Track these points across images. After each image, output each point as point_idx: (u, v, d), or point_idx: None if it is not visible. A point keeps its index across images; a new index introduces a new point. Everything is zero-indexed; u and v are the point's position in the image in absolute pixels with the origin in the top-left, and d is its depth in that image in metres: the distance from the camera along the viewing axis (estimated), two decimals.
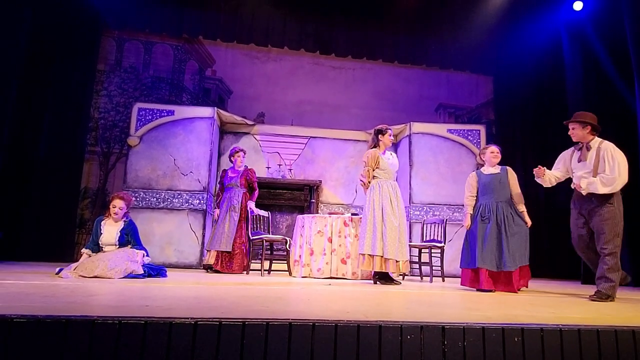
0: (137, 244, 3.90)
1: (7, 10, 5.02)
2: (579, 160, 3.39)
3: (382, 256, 3.91)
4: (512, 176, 3.94)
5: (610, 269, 3.15)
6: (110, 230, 3.81)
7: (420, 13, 7.13)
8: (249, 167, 5.23)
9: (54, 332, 1.40)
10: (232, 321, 1.49)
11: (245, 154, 5.24)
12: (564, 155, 3.59)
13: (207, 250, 5.01)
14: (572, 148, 3.52)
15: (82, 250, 3.85)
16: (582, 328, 1.67)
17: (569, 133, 3.47)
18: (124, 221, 3.89)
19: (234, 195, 5.02)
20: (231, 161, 5.25)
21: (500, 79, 7.76)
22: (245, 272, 4.86)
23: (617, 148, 3.28)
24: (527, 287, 3.91)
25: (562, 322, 1.73)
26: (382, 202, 4.02)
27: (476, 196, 3.99)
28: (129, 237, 3.87)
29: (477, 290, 3.70)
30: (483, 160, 4.09)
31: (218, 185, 5.27)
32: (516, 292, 3.60)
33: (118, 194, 3.99)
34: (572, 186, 3.48)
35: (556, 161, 3.64)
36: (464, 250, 3.89)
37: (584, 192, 3.29)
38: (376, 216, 3.99)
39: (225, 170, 5.26)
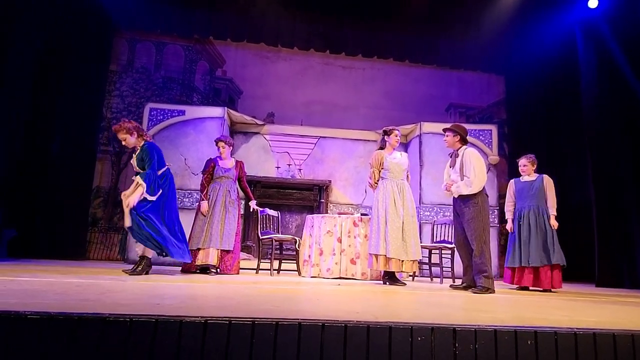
0: (150, 167, 3.72)
1: (23, 13, 5.11)
2: (451, 166, 3.94)
3: (385, 255, 3.90)
4: (549, 182, 4.39)
5: (482, 263, 3.59)
6: (134, 158, 3.91)
7: (431, 12, 7.07)
8: (237, 159, 4.85)
9: (66, 329, 1.42)
10: (241, 320, 1.49)
11: (227, 144, 4.72)
12: (446, 167, 4.10)
13: (196, 249, 4.34)
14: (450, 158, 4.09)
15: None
16: (598, 332, 1.63)
17: (443, 139, 4.04)
18: (140, 146, 3.88)
19: (230, 188, 4.59)
20: (217, 147, 4.71)
21: (512, 78, 7.67)
22: (256, 272, 4.86)
23: (475, 153, 3.83)
24: (560, 287, 4.25)
25: (576, 326, 1.69)
26: (385, 202, 4.03)
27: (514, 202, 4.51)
28: (144, 161, 3.77)
29: (518, 288, 4.25)
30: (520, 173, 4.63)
31: (204, 175, 4.63)
32: (550, 290, 4.15)
33: (115, 125, 3.91)
34: (442, 188, 4.01)
35: (444, 173, 4.10)
36: (508, 251, 4.44)
37: (455, 196, 3.83)
38: (380, 215, 4.02)
39: (212, 160, 4.69)
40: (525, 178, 4.50)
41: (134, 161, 3.93)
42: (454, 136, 3.92)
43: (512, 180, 4.63)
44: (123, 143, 3.90)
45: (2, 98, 4.87)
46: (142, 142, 3.92)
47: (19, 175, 5.42)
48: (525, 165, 4.49)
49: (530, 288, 4.23)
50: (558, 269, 4.20)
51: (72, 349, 1.40)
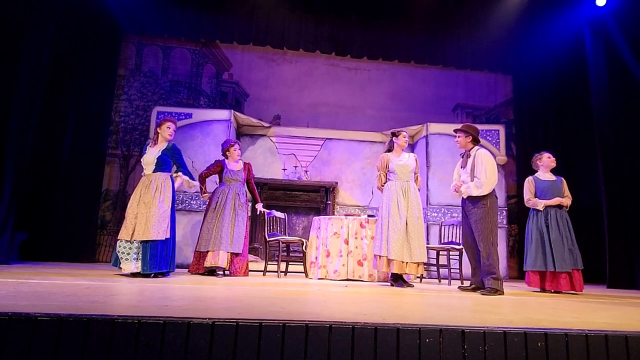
0: (182, 166, 4.11)
1: (33, 20, 5.19)
2: (462, 167, 3.93)
3: (386, 257, 3.89)
4: (565, 184, 4.39)
5: (490, 265, 3.56)
6: (152, 151, 4.05)
7: (437, 12, 7.04)
8: (245, 162, 4.88)
9: (75, 331, 1.43)
10: (249, 322, 1.50)
11: (240, 146, 4.85)
12: (456, 167, 4.08)
13: (204, 251, 4.41)
14: (460, 158, 4.06)
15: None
16: (610, 334, 1.61)
17: (455, 140, 4.02)
18: (168, 143, 4.11)
19: (240, 191, 4.63)
20: (225, 155, 4.78)
21: (519, 77, 7.61)
22: (263, 274, 4.87)
23: (488, 154, 3.81)
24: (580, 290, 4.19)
25: (588, 327, 1.67)
26: (388, 203, 4.03)
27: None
28: (174, 159, 4.09)
29: (542, 290, 4.14)
30: (537, 166, 4.48)
31: (206, 170, 4.75)
32: (577, 293, 4.07)
33: (167, 117, 4.29)
34: (451, 188, 3.98)
35: (454, 174, 4.08)
36: (529, 253, 4.26)
37: (464, 196, 3.81)
38: (383, 217, 4.03)
39: (220, 161, 4.74)
40: (545, 177, 4.38)
41: (156, 152, 4.01)
42: (465, 137, 3.90)
43: (531, 178, 4.43)
44: (169, 130, 4.10)
45: (14, 103, 4.94)
46: (170, 143, 4.16)
47: (30, 179, 5.48)
48: (550, 158, 4.40)
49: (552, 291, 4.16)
50: (579, 271, 4.16)
51: (81, 350, 1.41)
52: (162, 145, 4.08)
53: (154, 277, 3.73)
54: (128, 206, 3.92)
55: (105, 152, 6.58)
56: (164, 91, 7.12)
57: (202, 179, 4.73)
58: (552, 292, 4.11)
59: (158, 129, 4.13)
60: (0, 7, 4.93)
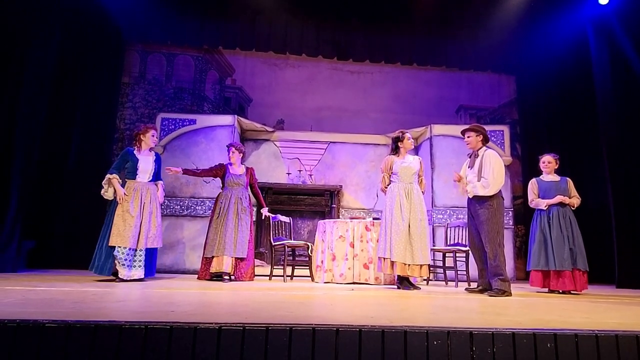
0: (159, 175, 4.29)
1: (38, 29, 5.25)
2: (470, 167, 3.91)
3: (389, 258, 3.87)
4: (572, 185, 4.34)
5: (497, 266, 3.54)
6: (146, 159, 4.14)
7: (439, 14, 7.04)
8: (248, 166, 4.93)
9: (83, 337, 1.44)
10: (255, 326, 1.49)
11: (236, 149, 4.82)
12: (463, 166, 4.08)
13: (210, 257, 4.43)
14: (468, 158, 4.05)
15: (109, 176, 4.02)
16: (620, 334, 1.59)
17: (465, 140, 4.00)
18: (153, 152, 4.25)
19: (242, 196, 4.64)
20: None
21: (523, 77, 7.58)
22: (269, 278, 4.86)
23: (496, 155, 3.79)
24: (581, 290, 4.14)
25: (597, 328, 1.65)
26: (391, 205, 4.01)
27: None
28: (159, 169, 4.25)
29: (549, 291, 4.11)
30: (542, 169, 4.50)
31: (207, 168, 4.87)
32: (579, 292, 4.04)
33: (149, 124, 4.42)
34: (459, 190, 4.00)
35: (461, 171, 4.07)
36: (532, 252, 4.25)
37: (470, 196, 3.81)
38: (386, 219, 4.00)
39: (224, 165, 4.79)
40: (548, 178, 4.38)
41: (151, 161, 4.11)
42: (477, 136, 3.90)
43: (534, 180, 4.46)
44: (154, 138, 4.21)
45: (20, 113, 5.00)
46: (154, 152, 4.26)
47: (36, 186, 5.53)
48: (550, 162, 4.38)
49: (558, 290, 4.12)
50: (582, 272, 4.11)
51: (89, 357, 1.42)
52: (150, 154, 4.18)
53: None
54: (125, 212, 3.87)
55: (110, 159, 6.61)
56: (168, 98, 7.17)
57: (200, 175, 4.91)
58: (556, 292, 4.07)
59: (142, 136, 4.16)
60: (5, 17, 5.00)
